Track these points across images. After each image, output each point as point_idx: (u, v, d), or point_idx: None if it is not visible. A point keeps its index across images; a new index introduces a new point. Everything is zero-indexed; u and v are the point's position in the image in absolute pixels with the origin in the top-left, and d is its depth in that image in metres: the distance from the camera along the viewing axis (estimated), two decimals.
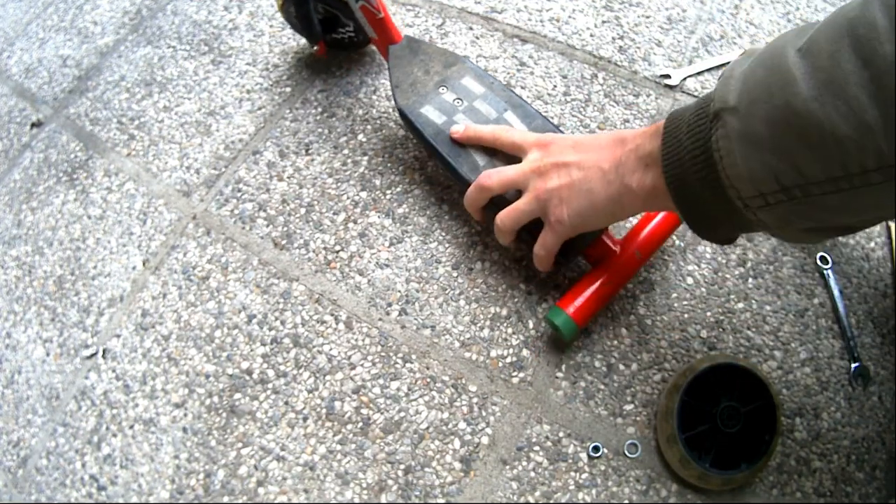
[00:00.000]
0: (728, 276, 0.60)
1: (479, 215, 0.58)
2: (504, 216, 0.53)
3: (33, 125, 0.83)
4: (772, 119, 0.34)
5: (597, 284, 0.54)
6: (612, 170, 0.46)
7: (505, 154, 0.56)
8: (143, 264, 0.68)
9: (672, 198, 0.41)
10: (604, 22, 0.77)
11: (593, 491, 0.52)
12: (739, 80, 0.36)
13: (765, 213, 0.37)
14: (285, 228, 0.66)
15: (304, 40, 0.80)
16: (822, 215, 0.36)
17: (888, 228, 0.62)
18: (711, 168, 0.37)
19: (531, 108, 0.59)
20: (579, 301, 0.53)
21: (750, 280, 0.59)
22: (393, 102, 0.70)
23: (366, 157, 0.70)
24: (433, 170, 0.68)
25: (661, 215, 0.57)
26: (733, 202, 0.37)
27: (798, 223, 0.37)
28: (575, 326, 0.53)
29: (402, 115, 0.61)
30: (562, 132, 0.58)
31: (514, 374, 0.57)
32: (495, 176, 0.53)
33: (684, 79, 0.71)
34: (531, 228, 0.53)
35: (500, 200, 0.54)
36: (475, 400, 0.56)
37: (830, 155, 0.32)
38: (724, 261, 0.60)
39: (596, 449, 0.53)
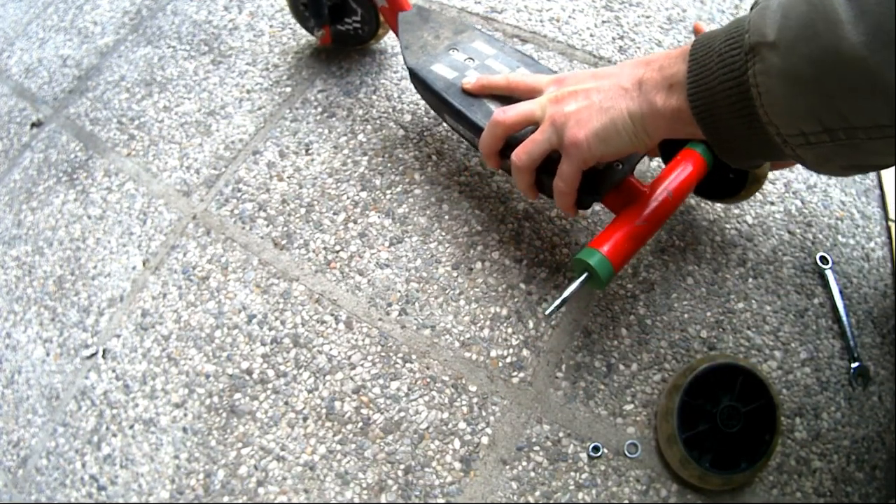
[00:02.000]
0: (728, 276, 0.60)
1: (494, 161, 0.54)
2: (519, 150, 0.50)
3: (33, 125, 0.83)
4: (816, 60, 0.32)
5: (631, 223, 0.49)
6: (634, 87, 0.44)
7: (521, 101, 0.53)
8: (143, 264, 0.68)
9: (700, 125, 0.40)
10: (604, 22, 0.77)
11: (593, 491, 0.52)
12: (778, 12, 0.34)
13: (804, 150, 0.36)
14: (285, 228, 0.66)
15: (304, 40, 0.80)
16: (864, 157, 0.35)
17: (888, 229, 0.62)
18: (747, 102, 0.36)
19: (544, 66, 0.58)
20: (615, 238, 0.48)
21: (750, 280, 0.59)
22: (403, 63, 0.69)
23: (366, 157, 0.70)
24: (433, 170, 0.68)
25: (689, 162, 0.53)
26: (771, 137, 0.37)
27: (839, 161, 0.36)
28: (611, 267, 0.47)
29: (413, 74, 0.60)
30: None
31: (514, 374, 0.57)
32: (510, 110, 0.50)
33: None
34: (552, 170, 0.49)
35: (515, 142, 0.51)
36: (475, 400, 0.56)
37: (879, 104, 0.31)
38: (724, 261, 0.60)
39: (596, 449, 0.53)
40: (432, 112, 0.72)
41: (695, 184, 0.54)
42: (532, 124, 0.50)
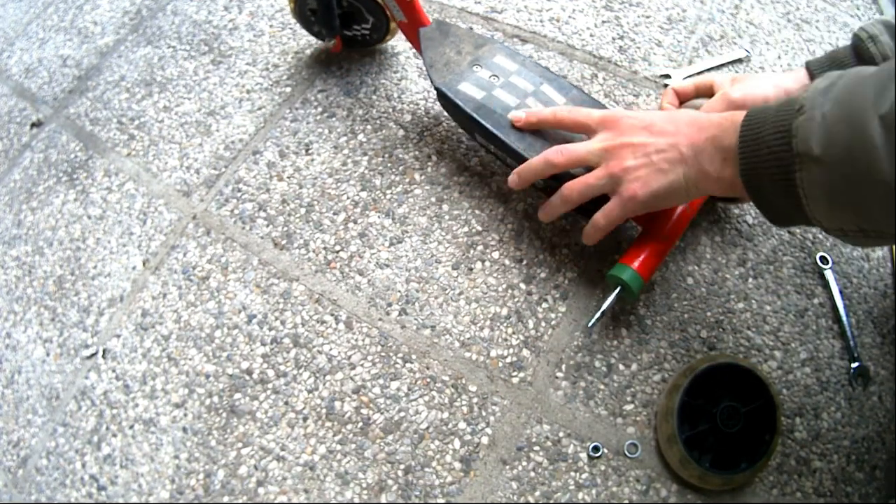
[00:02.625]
0: (728, 276, 0.60)
1: (525, 185, 0.58)
2: (573, 187, 0.53)
3: (33, 125, 0.83)
4: (854, 181, 0.37)
5: (655, 239, 0.55)
6: (691, 155, 0.47)
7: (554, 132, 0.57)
8: (143, 264, 0.68)
9: (751, 199, 0.44)
10: (604, 22, 0.77)
11: (593, 491, 0.52)
12: (822, 126, 0.38)
13: (842, 238, 0.42)
14: (285, 228, 0.66)
15: (304, 40, 0.80)
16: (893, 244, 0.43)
17: None
18: (795, 199, 0.40)
19: (565, 82, 0.61)
20: (643, 256, 0.54)
21: (750, 280, 0.59)
22: (429, 83, 0.71)
23: (366, 157, 0.70)
24: (433, 170, 0.68)
25: None
26: (814, 223, 0.42)
27: (871, 244, 0.44)
28: (641, 280, 0.53)
29: (441, 94, 0.62)
30: (602, 105, 0.59)
31: (514, 374, 0.57)
32: (565, 153, 0.53)
33: (684, 79, 0.71)
34: (587, 203, 0.54)
35: (561, 174, 0.55)
36: (475, 400, 0.56)
37: None
38: (724, 261, 0.60)
39: (596, 449, 0.53)
40: (432, 112, 0.72)
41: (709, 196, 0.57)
42: (582, 167, 0.53)
